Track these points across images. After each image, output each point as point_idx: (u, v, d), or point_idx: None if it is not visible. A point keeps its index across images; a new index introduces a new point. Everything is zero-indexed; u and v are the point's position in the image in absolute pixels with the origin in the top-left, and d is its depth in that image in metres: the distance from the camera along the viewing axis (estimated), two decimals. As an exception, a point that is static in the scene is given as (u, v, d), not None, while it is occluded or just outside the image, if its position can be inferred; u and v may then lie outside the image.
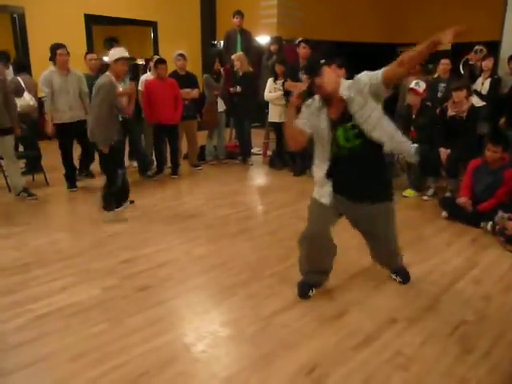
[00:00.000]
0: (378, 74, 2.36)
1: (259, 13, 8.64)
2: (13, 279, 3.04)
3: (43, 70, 4.93)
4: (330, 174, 2.57)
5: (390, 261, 3.01)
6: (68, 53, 4.89)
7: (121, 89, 5.10)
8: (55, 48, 4.82)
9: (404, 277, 3.02)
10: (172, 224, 4.12)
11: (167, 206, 4.68)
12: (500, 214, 3.77)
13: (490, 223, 3.92)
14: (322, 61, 2.42)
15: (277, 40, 7.13)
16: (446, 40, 2.19)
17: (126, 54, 4.14)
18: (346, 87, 2.42)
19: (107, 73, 4.05)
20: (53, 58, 4.85)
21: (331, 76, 2.42)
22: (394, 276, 3.03)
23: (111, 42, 5.12)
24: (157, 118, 5.57)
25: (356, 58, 6.54)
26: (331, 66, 2.43)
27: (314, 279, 2.86)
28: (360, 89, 2.38)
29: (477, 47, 6.02)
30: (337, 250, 2.79)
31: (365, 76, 2.41)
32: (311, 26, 8.59)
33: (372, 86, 2.36)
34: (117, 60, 4.04)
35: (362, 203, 2.57)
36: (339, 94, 2.41)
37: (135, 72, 5.44)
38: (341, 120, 2.46)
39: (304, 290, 2.82)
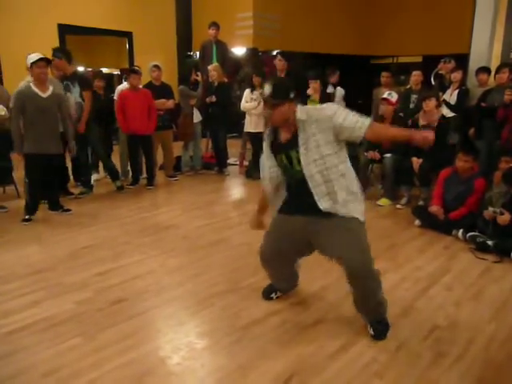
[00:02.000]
0: (362, 129, 2.26)
1: (235, 24, 8.71)
2: (-18, 294, 2.96)
3: (16, 81, 4.84)
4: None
5: (364, 303, 2.52)
6: None
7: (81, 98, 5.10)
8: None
9: (378, 330, 2.49)
10: (147, 235, 4.08)
11: (142, 217, 4.64)
12: (491, 209, 3.85)
13: (461, 231, 4.02)
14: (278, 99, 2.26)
15: (253, 52, 7.24)
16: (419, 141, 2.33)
17: (40, 57, 4.17)
18: (303, 113, 2.33)
19: (28, 79, 4.25)
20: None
21: (284, 112, 2.29)
22: (368, 328, 2.53)
23: None
24: (131, 129, 5.55)
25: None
26: (287, 102, 2.29)
27: (279, 285, 2.91)
28: (322, 121, 2.29)
29: (445, 58, 6.23)
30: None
31: (339, 117, 2.28)
32: (287, 38, 8.70)
33: (344, 134, 2.29)
34: (32, 64, 4.14)
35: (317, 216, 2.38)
36: (294, 122, 2.33)
37: (110, 82, 5.42)
38: (291, 144, 2.36)
39: (267, 293, 2.91)
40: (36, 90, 4.19)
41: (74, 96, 5.14)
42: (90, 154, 5.59)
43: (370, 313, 2.54)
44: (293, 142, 2.35)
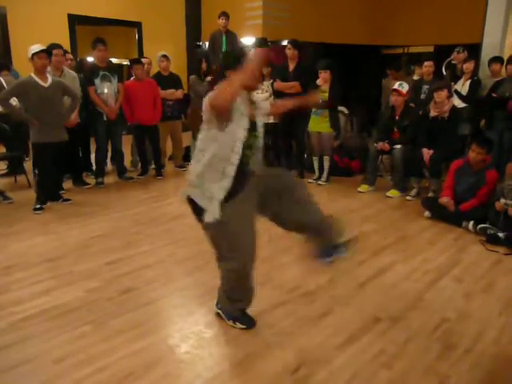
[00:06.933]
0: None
1: (244, 14, 8.64)
2: (-6, 282, 3.00)
3: (25, 71, 4.85)
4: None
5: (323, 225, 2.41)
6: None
7: (106, 90, 5.12)
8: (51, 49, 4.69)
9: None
10: (156, 225, 4.11)
11: (152, 207, 4.66)
12: (502, 200, 3.81)
13: (472, 222, 3.98)
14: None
15: (263, 41, 7.19)
16: None
17: (41, 48, 4.23)
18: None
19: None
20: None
21: None
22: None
23: (96, 43, 5.11)
24: (137, 119, 5.56)
25: (342, 59, 6.62)
26: None
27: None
28: None
29: (458, 48, 6.14)
30: None
31: None
32: (297, 28, 8.61)
33: None
34: (33, 55, 4.19)
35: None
36: None
37: (120, 73, 5.41)
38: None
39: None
40: (37, 79, 4.23)
41: (114, 86, 5.22)
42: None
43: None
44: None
